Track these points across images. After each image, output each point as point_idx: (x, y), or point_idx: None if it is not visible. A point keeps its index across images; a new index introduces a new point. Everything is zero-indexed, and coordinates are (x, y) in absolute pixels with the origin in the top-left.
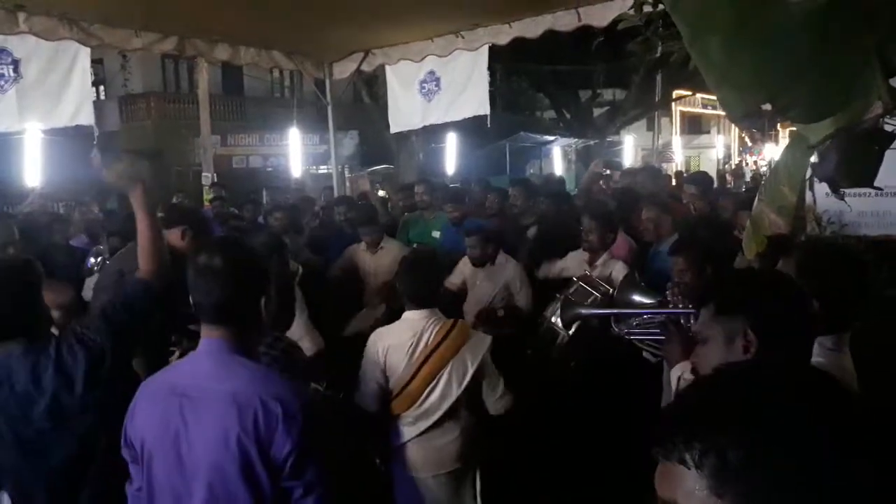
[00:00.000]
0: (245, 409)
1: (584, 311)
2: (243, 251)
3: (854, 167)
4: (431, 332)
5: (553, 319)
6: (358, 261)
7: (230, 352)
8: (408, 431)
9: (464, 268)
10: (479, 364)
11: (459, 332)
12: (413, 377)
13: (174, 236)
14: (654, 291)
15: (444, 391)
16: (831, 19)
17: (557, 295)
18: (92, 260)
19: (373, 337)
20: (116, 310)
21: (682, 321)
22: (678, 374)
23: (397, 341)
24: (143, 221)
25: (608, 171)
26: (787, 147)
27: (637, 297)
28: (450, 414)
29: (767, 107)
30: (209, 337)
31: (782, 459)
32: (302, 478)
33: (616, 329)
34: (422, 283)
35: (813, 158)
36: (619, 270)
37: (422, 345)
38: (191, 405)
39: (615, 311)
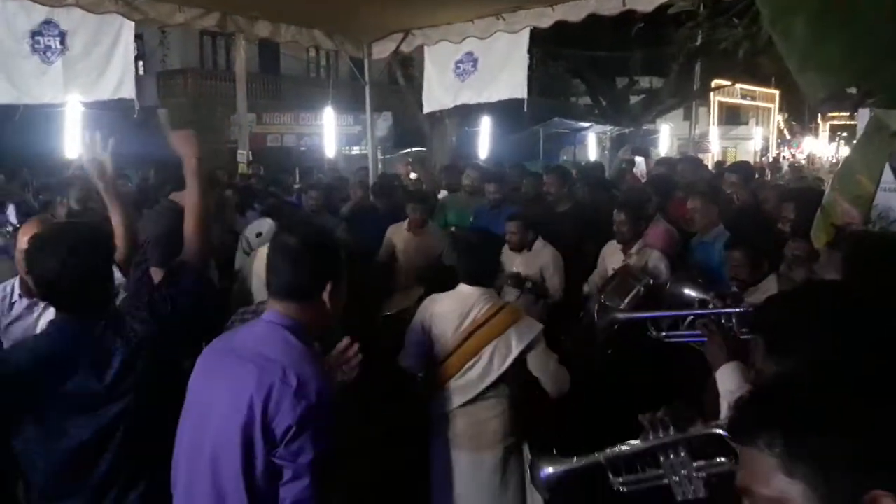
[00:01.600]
0: (266, 374)
1: (621, 315)
2: (321, 237)
3: None
4: (480, 309)
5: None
6: (397, 240)
7: (281, 325)
8: (449, 402)
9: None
10: (525, 349)
11: (508, 313)
12: (456, 349)
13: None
14: (702, 286)
15: (485, 368)
16: None
17: (602, 297)
18: None
19: (426, 301)
20: (165, 302)
21: (723, 321)
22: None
23: (444, 310)
24: (197, 192)
25: (638, 158)
26: (865, 134)
27: (688, 292)
28: (493, 391)
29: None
30: (271, 308)
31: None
32: (295, 460)
33: (654, 333)
34: (479, 262)
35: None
36: (654, 260)
37: (469, 319)
38: (234, 363)
39: (652, 314)
